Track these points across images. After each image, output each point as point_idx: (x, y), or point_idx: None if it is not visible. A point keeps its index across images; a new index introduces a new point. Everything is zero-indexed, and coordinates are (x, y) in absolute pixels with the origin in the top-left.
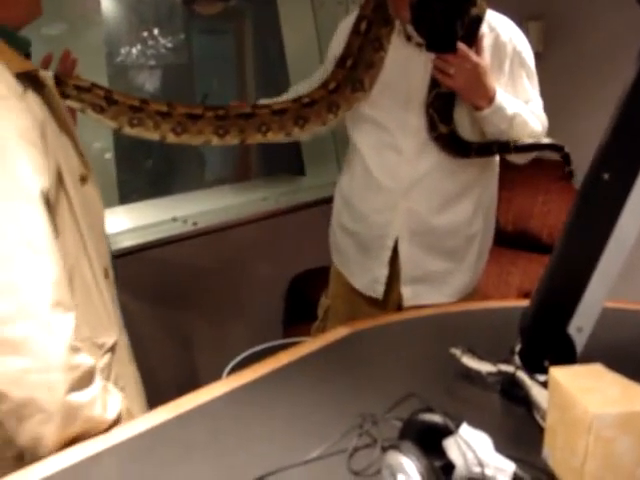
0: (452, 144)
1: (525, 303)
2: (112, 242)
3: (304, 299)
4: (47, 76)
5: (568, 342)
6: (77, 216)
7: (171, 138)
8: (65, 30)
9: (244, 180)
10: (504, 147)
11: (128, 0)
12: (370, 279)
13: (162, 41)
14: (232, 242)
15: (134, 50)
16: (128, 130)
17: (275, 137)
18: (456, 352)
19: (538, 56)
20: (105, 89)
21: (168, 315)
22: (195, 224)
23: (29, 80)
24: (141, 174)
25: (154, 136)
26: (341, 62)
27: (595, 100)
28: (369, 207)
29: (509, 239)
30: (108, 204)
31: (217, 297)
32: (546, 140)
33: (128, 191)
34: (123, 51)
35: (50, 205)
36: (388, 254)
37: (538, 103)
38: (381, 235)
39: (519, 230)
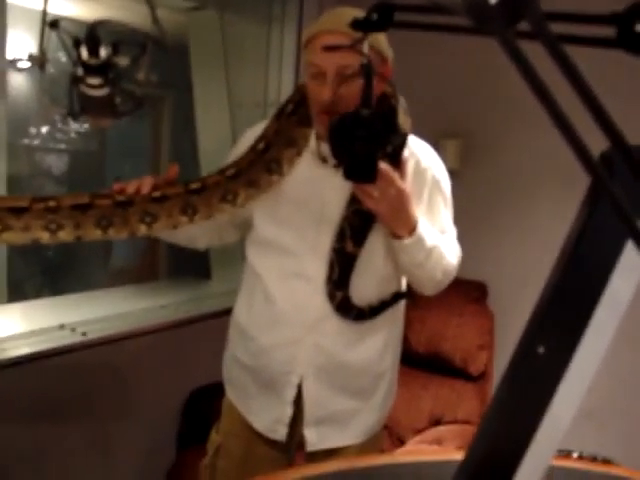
0: (343, 269)
1: (458, 457)
2: None
3: (202, 417)
4: None
5: None
6: None
7: None
8: None
9: (149, 280)
10: (361, 314)
11: (41, 79)
12: (272, 419)
13: (74, 125)
14: (124, 354)
15: (42, 132)
16: None
17: (118, 235)
18: None
19: (455, 173)
20: None
21: (46, 439)
22: (84, 334)
23: None
24: (37, 267)
25: None
26: (222, 169)
27: (510, 217)
28: (270, 342)
29: (420, 361)
30: None
31: (104, 418)
32: (389, 298)
33: (20, 286)
34: (30, 132)
35: None
36: (293, 392)
37: (453, 234)
38: (284, 372)
39: (431, 352)
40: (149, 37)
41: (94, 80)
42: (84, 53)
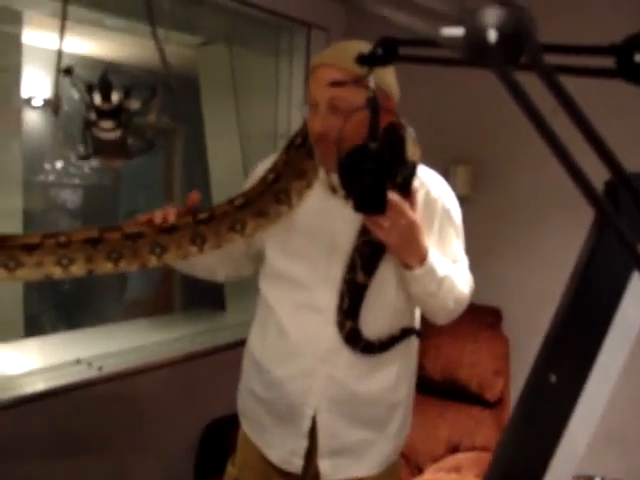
0: (353, 299)
1: None
2: (3, 388)
3: (219, 449)
4: None
5: None
6: None
7: (3, 275)
8: None
9: (164, 312)
10: (369, 347)
11: (53, 117)
12: (287, 451)
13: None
14: (140, 388)
15: (57, 168)
16: None
17: (129, 267)
18: None
19: (466, 199)
20: None
21: (63, 474)
22: (100, 369)
23: None
24: (53, 301)
25: None
26: (231, 199)
27: (523, 241)
28: (285, 374)
29: (436, 388)
30: (10, 336)
31: (121, 450)
32: (398, 333)
33: (36, 321)
34: (45, 168)
35: None
36: (308, 424)
37: (464, 263)
38: (299, 403)
39: (447, 379)
40: (159, 79)
41: (107, 124)
42: (97, 98)
